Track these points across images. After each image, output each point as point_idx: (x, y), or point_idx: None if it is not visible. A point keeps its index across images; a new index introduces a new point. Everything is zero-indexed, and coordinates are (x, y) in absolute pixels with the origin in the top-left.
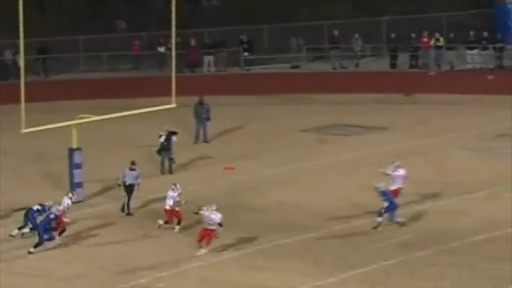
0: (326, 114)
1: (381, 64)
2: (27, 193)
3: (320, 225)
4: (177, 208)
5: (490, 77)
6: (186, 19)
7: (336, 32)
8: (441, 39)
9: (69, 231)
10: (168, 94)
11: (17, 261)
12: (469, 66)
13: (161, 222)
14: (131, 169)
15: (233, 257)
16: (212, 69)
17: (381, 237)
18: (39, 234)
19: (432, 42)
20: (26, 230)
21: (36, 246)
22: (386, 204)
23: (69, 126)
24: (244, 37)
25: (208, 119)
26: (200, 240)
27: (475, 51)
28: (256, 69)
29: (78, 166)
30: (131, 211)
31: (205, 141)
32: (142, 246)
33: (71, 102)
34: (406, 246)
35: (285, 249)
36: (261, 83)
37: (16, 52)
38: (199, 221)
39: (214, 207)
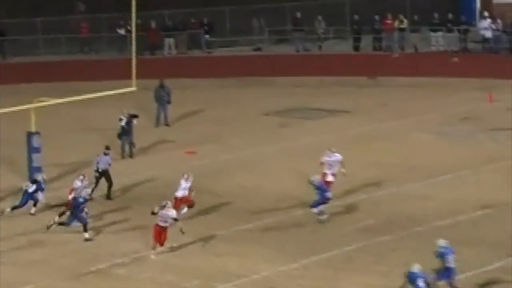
0: (289, 97)
1: (344, 47)
2: None
3: (282, 210)
4: (190, 197)
5: (455, 59)
6: (146, 1)
7: (298, 14)
8: (405, 21)
9: (29, 216)
10: (129, 77)
11: None
12: (433, 48)
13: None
14: (105, 154)
15: (195, 243)
16: (173, 51)
17: (344, 222)
18: (79, 219)
19: (396, 24)
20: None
21: (85, 230)
22: (318, 197)
23: (27, 109)
24: (205, 19)
25: (169, 102)
26: (157, 239)
27: (439, 34)
28: (218, 51)
29: (37, 150)
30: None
31: (166, 124)
32: (103, 233)
33: (28, 85)
34: (369, 231)
35: (247, 234)
36: (223, 65)
37: None
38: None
39: (169, 204)
